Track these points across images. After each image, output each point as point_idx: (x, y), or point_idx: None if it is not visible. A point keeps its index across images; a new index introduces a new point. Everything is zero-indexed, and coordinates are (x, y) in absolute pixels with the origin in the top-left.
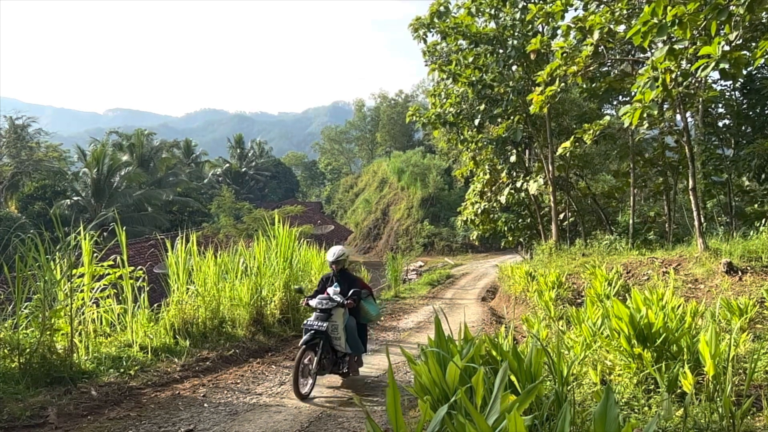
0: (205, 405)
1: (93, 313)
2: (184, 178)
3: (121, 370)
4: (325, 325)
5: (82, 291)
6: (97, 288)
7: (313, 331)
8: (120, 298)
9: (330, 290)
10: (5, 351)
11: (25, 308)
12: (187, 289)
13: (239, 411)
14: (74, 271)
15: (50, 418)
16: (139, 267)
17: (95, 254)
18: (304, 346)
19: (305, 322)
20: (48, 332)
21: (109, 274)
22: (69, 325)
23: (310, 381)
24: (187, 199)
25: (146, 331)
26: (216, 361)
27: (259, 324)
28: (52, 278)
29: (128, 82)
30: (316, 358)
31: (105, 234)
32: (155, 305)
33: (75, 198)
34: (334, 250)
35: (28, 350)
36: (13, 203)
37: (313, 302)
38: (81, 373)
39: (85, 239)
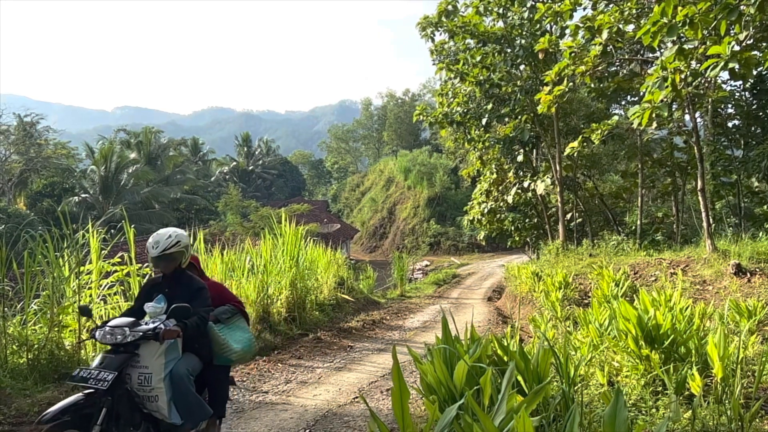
0: None
1: (101, 310)
2: (191, 176)
3: None
4: (110, 377)
5: (90, 288)
6: (105, 285)
7: (91, 391)
8: (127, 295)
9: (148, 308)
10: (14, 347)
11: (33, 304)
12: None
13: (245, 409)
14: (82, 267)
15: None
16: (147, 264)
17: (103, 251)
18: (53, 424)
19: (74, 372)
20: (56, 328)
21: (116, 271)
22: (77, 322)
23: None
24: (194, 197)
25: None
26: None
27: (266, 322)
28: (61, 275)
29: (136, 80)
30: None
31: (113, 231)
32: None
33: (83, 195)
34: (158, 237)
35: (36, 346)
36: (21, 200)
37: (99, 334)
38: None
39: (93, 236)
